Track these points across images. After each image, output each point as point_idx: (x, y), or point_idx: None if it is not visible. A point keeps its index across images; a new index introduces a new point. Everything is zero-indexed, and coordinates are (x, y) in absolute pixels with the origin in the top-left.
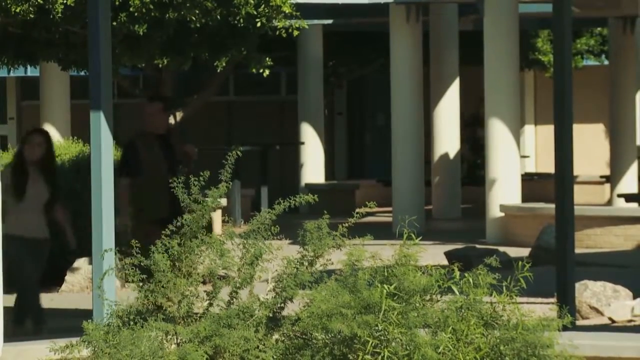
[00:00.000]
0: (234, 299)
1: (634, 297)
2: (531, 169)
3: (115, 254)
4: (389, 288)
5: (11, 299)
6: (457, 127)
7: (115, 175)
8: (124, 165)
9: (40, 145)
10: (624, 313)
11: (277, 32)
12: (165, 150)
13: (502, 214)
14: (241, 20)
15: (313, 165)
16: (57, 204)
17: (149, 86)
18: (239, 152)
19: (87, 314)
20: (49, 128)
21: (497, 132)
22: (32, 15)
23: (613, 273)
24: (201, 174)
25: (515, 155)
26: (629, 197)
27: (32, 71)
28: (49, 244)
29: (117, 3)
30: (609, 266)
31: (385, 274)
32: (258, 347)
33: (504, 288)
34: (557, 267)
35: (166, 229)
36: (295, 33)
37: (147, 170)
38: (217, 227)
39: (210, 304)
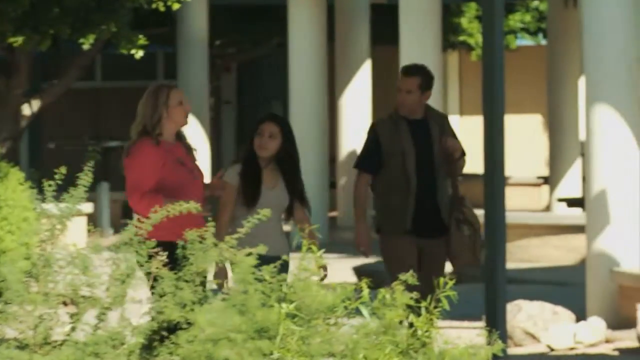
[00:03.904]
0: (102, 323)
1: (577, 320)
2: None
3: None
4: (287, 307)
5: None
6: (368, 118)
7: (354, 166)
8: (364, 156)
9: (273, 137)
10: (564, 339)
11: (153, 6)
12: (419, 140)
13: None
14: None
15: None
16: (299, 210)
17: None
18: (97, 154)
19: None
20: None
21: None
22: None
23: (552, 292)
24: (56, 171)
25: None
26: (571, 202)
27: None
28: (287, 267)
29: None
30: (547, 284)
31: (283, 291)
32: None
33: (424, 310)
34: (486, 285)
35: (423, 245)
36: (175, 6)
37: (392, 165)
38: (81, 237)
39: (74, 329)
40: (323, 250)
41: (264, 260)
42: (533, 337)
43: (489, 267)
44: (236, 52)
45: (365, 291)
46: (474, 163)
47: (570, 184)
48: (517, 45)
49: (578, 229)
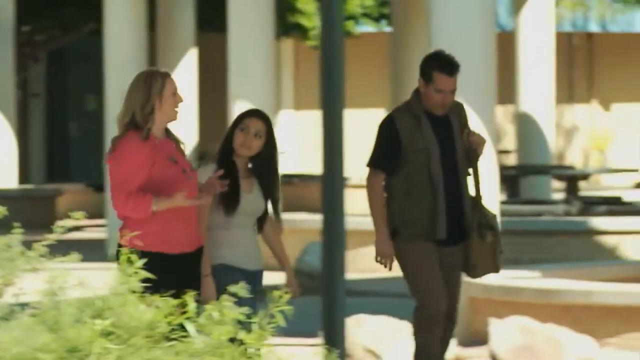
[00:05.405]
0: None
1: None
2: (290, 168)
3: None
4: (103, 324)
5: None
6: (195, 111)
7: (370, 167)
8: (381, 153)
9: (259, 136)
10: (409, 357)
11: None
12: (441, 136)
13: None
14: None
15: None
16: (269, 222)
17: None
18: None
19: None
20: None
21: None
22: None
23: (396, 305)
24: None
25: None
26: None
27: None
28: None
29: None
30: (391, 296)
31: (98, 306)
32: None
33: (255, 325)
34: (324, 298)
35: (451, 259)
36: None
37: (413, 164)
38: None
39: None
40: (146, 260)
41: (246, 275)
42: (374, 354)
43: (327, 277)
44: (46, 39)
45: (191, 305)
46: (311, 163)
47: None
48: (359, 32)
49: None
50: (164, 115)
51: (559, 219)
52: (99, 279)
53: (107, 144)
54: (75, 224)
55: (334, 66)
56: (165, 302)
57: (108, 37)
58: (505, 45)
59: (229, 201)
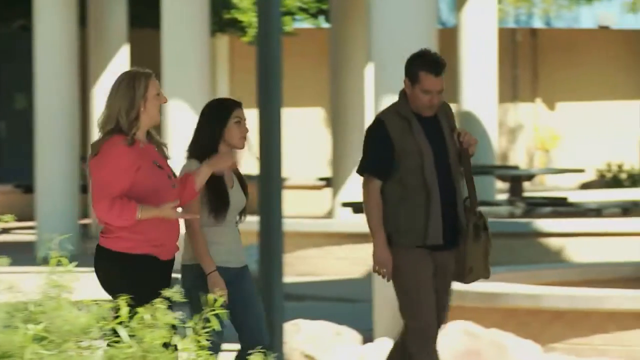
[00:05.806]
0: None
1: (364, 342)
2: None
3: None
4: (35, 329)
5: None
6: None
7: (359, 172)
8: (374, 159)
9: (246, 127)
10: None
11: None
12: (432, 138)
13: (184, 230)
14: None
15: None
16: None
17: None
18: None
19: None
20: None
21: (178, 118)
22: None
23: (335, 309)
24: None
25: None
26: (357, 207)
27: None
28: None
29: None
30: (330, 300)
31: (30, 310)
32: None
33: (190, 330)
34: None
35: (445, 264)
36: None
37: (406, 168)
38: None
39: None
40: (75, 263)
41: (234, 272)
42: None
43: (264, 281)
44: None
45: (124, 310)
46: (247, 162)
47: (355, 187)
48: (295, 28)
49: (364, 237)
50: (148, 118)
51: (502, 221)
52: (28, 283)
53: (37, 144)
54: (4, 226)
55: (272, 64)
56: (97, 308)
57: (38, 34)
58: (447, 41)
59: (220, 201)
